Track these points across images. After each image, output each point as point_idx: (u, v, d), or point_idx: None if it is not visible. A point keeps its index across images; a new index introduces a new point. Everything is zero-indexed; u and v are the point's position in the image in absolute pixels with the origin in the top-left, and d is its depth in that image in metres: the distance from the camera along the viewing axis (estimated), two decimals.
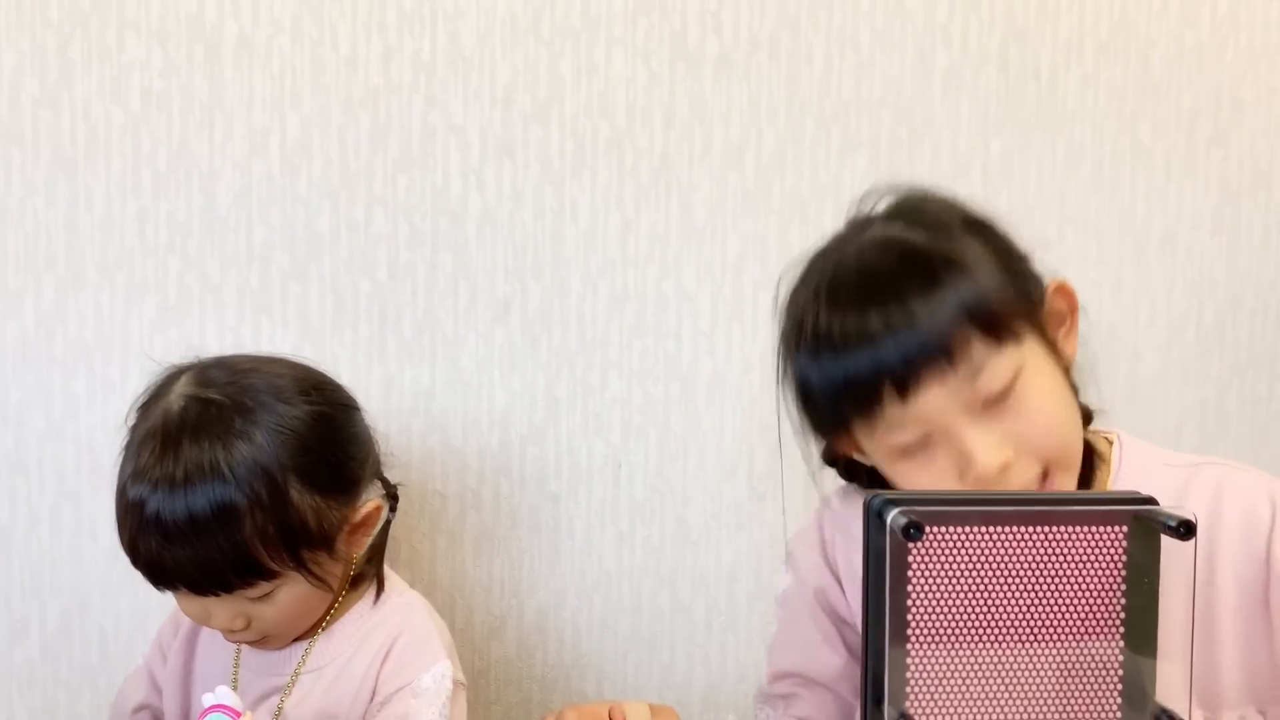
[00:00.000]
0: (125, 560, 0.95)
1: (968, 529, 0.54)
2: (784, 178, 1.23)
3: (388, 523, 1.06)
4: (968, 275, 0.77)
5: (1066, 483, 0.79)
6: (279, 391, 0.93)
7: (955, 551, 0.54)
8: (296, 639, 0.99)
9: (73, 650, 1.24)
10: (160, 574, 0.90)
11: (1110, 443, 0.87)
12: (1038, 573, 0.55)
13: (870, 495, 0.56)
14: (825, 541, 0.93)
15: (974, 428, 0.75)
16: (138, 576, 0.98)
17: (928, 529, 0.54)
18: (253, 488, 0.87)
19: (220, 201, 1.21)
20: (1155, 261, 1.25)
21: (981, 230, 0.82)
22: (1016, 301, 0.78)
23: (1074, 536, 0.55)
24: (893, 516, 0.53)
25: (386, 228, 1.22)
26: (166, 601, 0.99)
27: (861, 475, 0.91)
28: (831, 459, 0.92)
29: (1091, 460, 0.84)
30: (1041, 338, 0.80)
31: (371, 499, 1.00)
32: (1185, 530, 0.52)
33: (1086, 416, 0.86)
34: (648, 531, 1.27)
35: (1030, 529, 0.55)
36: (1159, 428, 1.26)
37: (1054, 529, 0.55)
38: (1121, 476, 0.83)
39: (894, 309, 0.75)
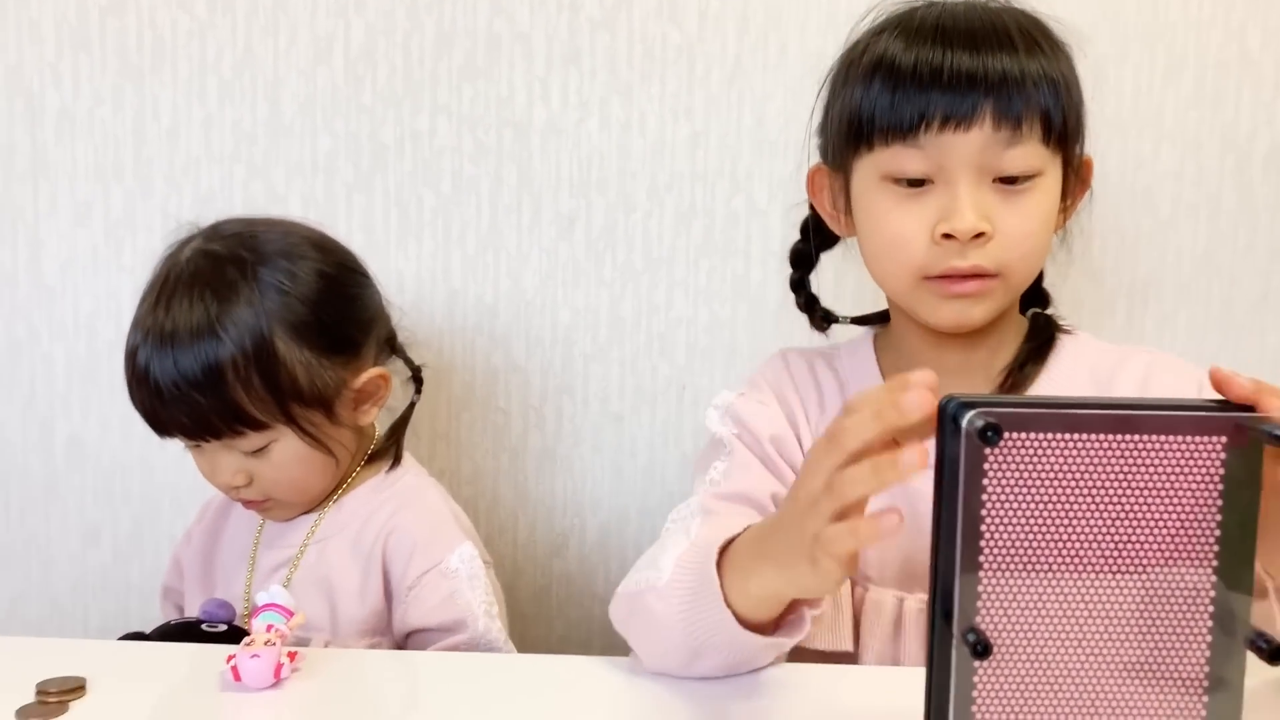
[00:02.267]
0: (194, 470, 0.96)
1: (1050, 435, 0.50)
2: None
3: (411, 404, 1.05)
4: (1059, 63, 0.82)
5: (998, 299, 0.84)
6: (284, 247, 0.93)
7: (1035, 459, 0.51)
8: (308, 511, 0.99)
9: (144, 556, 1.27)
10: (156, 421, 0.92)
11: (1069, 332, 0.92)
12: (1126, 486, 0.51)
13: (946, 398, 0.52)
14: (790, 385, 0.95)
15: (976, 188, 0.80)
16: (205, 485, 0.99)
17: (1006, 434, 0.50)
18: (239, 339, 0.88)
19: (285, 110, 1.19)
20: (1259, 181, 1.18)
21: (1069, 61, 0.85)
22: (1074, 124, 0.83)
23: (1167, 447, 0.51)
24: (969, 418, 0.50)
25: (451, 139, 1.20)
26: None
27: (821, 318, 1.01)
28: (799, 251, 1.00)
29: (1050, 340, 0.90)
30: (1062, 181, 0.84)
31: (378, 369, 0.99)
32: None
33: (1043, 298, 0.96)
34: None
35: (1119, 438, 0.51)
36: (1255, 357, 1.19)
37: (1145, 438, 0.51)
38: (1061, 352, 0.89)
39: (1004, 55, 0.79)
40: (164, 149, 1.20)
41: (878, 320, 0.99)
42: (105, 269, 1.23)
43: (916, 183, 0.82)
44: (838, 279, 1.08)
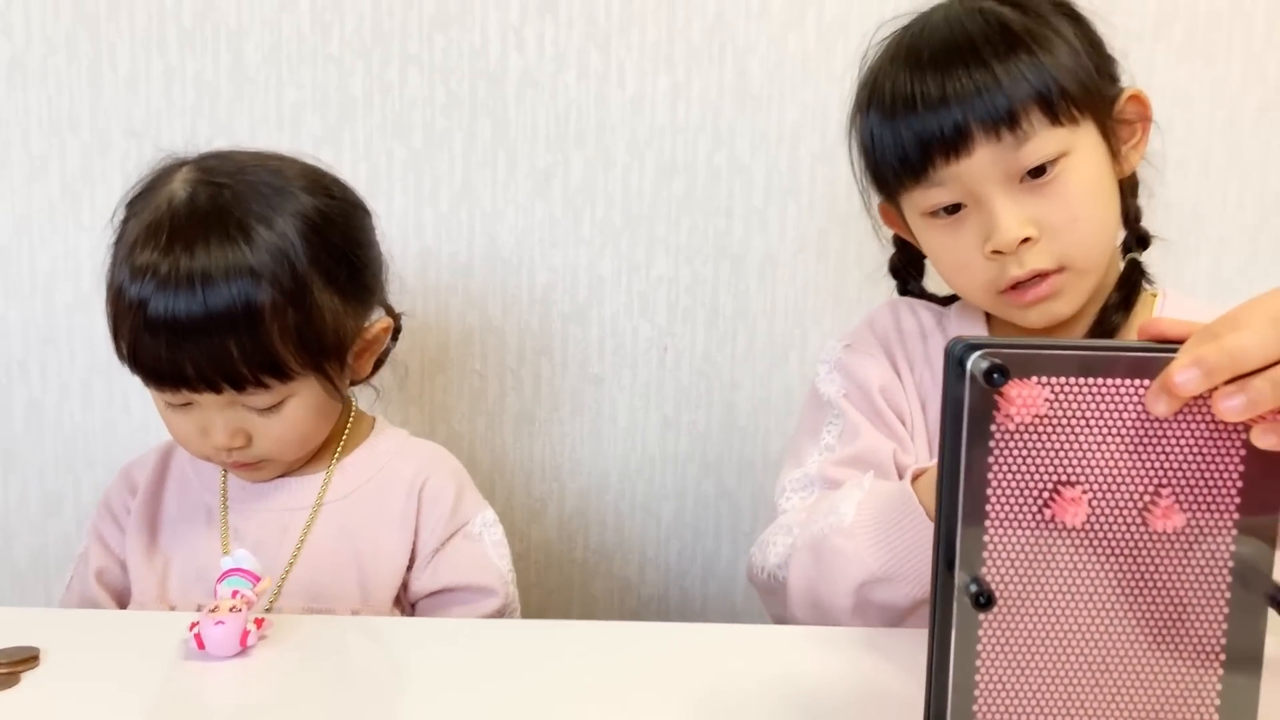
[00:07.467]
0: (160, 432, 0.91)
1: (1062, 380, 0.48)
2: (848, 40, 1.14)
3: (386, 350, 0.99)
4: (1046, 50, 0.79)
5: (1076, 287, 0.82)
6: (304, 184, 0.86)
7: (1045, 404, 0.48)
8: (285, 475, 0.92)
9: None
10: (163, 375, 0.81)
11: (1155, 295, 0.89)
12: (1143, 434, 0.48)
13: (953, 341, 0.49)
14: (896, 338, 0.93)
15: (1006, 198, 0.79)
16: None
17: (1014, 377, 0.47)
18: (277, 278, 0.81)
19: (249, 61, 1.15)
20: (1248, 136, 1.16)
21: (1074, 18, 0.83)
22: (1086, 88, 0.80)
23: None
24: (973, 360, 0.47)
25: (422, 90, 1.15)
26: None
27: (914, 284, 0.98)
28: (896, 264, 0.98)
29: (1136, 289, 0.87)
30: (1102, 134, 0.81)
31: (385, 318, 0.95)
32: None
33: (1143, 240, 0.90)
34: (693, 417, 1.22)
35: (1136, 382, 0.48)
36: None
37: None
38: (1144, 311, 0.86)
39: (974, 70, 0.78)
40: (122, 101, 1.15)
41: None
42: (62, 227, 1.18)
43: (953, 209, 0.82)
44: None
